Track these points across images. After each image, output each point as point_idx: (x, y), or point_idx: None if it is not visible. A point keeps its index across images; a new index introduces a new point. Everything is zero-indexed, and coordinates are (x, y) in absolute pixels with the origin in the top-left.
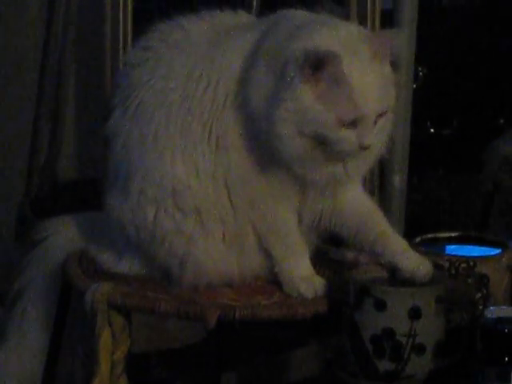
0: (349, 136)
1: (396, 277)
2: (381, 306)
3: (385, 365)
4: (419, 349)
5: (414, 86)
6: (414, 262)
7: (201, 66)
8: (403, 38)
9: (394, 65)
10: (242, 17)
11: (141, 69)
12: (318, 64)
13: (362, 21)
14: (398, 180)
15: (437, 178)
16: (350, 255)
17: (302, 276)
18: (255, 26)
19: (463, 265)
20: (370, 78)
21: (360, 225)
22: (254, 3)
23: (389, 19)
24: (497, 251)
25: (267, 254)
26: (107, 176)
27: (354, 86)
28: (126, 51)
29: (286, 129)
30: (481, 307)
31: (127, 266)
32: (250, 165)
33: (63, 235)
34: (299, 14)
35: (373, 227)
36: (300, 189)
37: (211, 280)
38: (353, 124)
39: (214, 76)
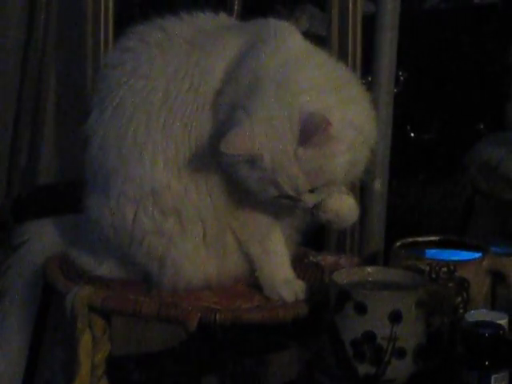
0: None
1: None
2: (361, 309)
3: (365, 368)
4: (400, 352)
5: (395, 90)
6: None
7: (184, 67)
8: None
9: None
10: (223, 19)
11: (120, 70)
12: None
13: (344, 25)
14: (379, 184)
15: (417, 182)
16: (330, 259)
17: (283, 280)
18: (239, 32)
19: (444, 269)
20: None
21: None
22: (236, 7)
23: (370, 23)
24: (477, 255)
25: (247, 257)
26: (85, 178)
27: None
28: (106, 53)
29: None
30: (461, 311)
31: (108, 268)
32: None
33: (43, 238)
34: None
35: None
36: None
37: (190, 282)
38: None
39: (197, 78)
